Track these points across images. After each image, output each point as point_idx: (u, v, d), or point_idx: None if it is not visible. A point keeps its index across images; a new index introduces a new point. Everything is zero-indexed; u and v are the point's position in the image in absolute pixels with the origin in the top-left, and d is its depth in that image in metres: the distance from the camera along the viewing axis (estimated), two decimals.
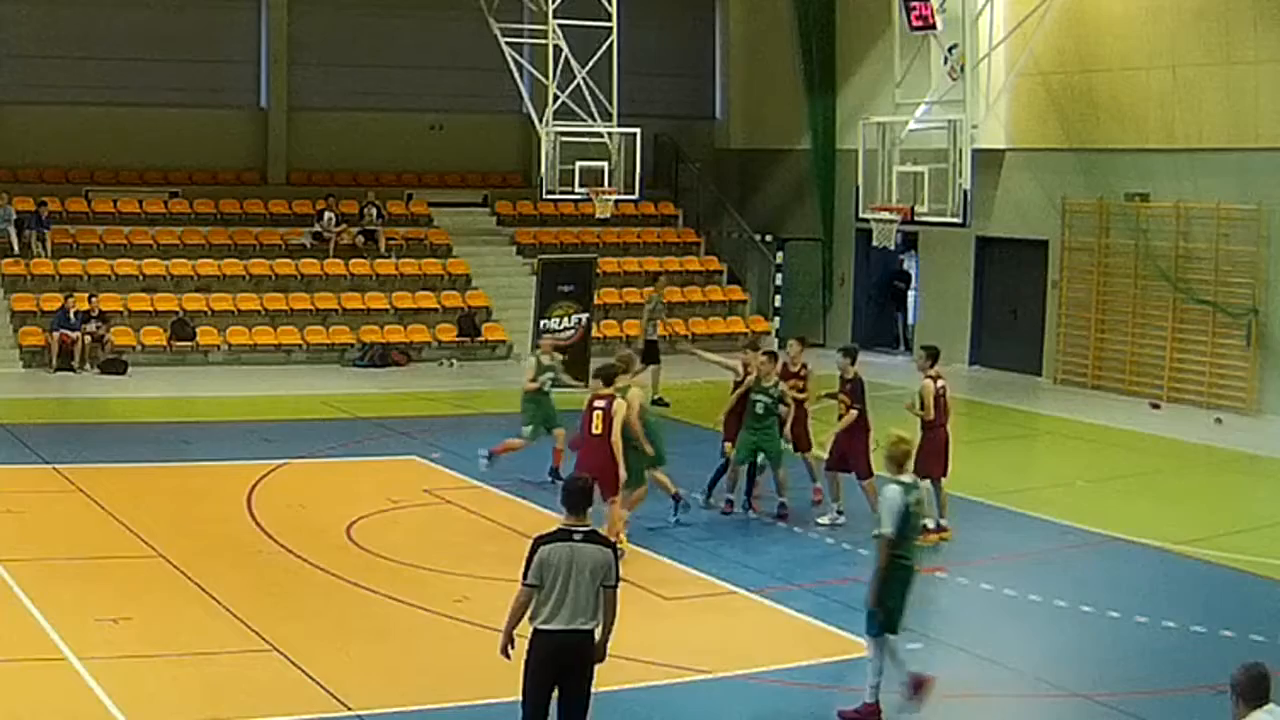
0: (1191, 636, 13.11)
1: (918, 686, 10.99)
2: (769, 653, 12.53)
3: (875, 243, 27.07)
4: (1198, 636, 13.09)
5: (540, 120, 28.40)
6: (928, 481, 14.69)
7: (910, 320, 32.59)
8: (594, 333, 27.12)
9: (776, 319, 32.74)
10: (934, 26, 25.64)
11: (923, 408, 16.03)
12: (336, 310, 29.66)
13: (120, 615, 12.60)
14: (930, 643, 12.85)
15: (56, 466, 18.56)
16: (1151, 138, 25.91)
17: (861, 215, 27.51)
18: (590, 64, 28.02)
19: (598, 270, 28.77)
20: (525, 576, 9.19)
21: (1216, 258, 25.11)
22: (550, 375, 18.39)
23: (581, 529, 9.27)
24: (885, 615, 10.98)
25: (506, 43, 28.81)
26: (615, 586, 9.26)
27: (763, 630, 13.20)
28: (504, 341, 29.92)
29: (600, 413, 14.90)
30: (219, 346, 28.16)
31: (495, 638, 12.43)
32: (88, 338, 26.84)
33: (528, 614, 9.22)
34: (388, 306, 30.07)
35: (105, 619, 12.49)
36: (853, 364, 16.80)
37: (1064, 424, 23.08)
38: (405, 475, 18.77)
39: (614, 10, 27.92)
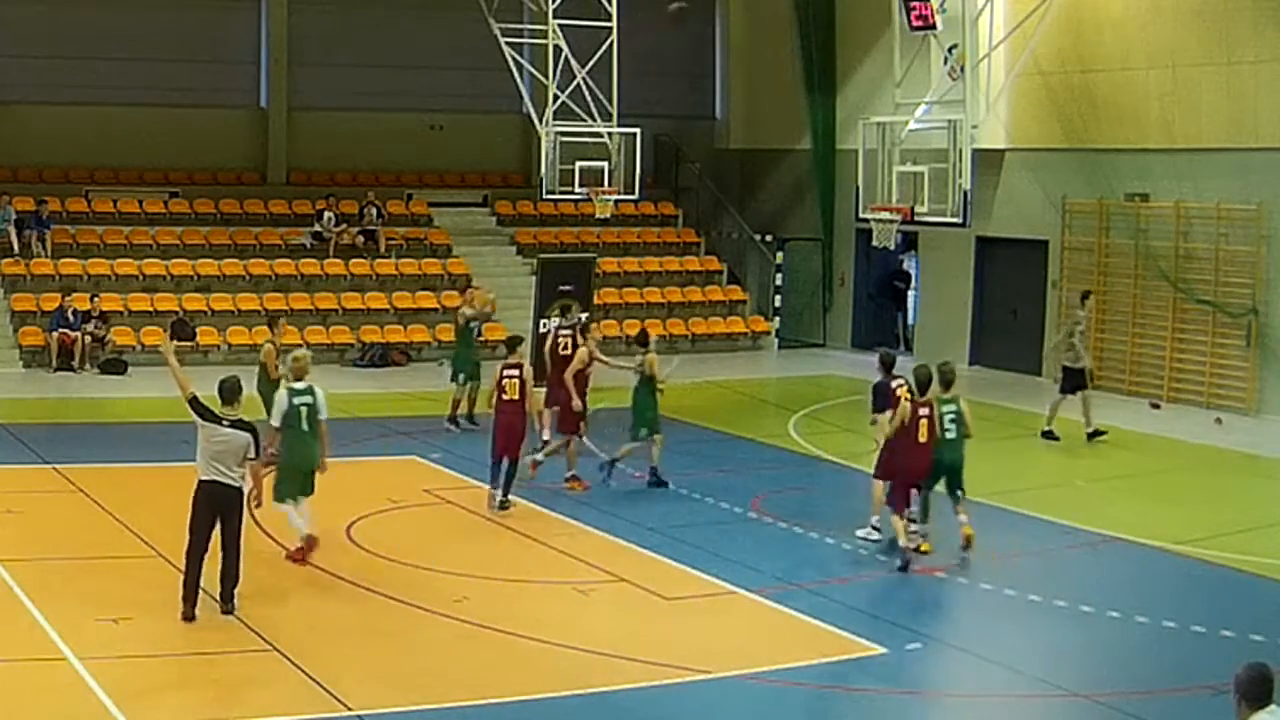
0: (1191, 636, 13.10)
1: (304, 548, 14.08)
2: (769, 653, 12.50)
3: (875, 243, 27.04)
4: (1198, 636, 13.08)
5: (540, 120, 28.39)
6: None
7: (910, 320, 32.59)
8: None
9: (776, 319, 32.76)
10: (934, 26, 25.63)
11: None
12: (336, 310, 29.65)
13: (120, 615, 12.58)
14: (930, 643, 12.88)
15: (56, 466, 18.55)
16: (1151, 138, 25.90)
17: (861, 215, 27.48)
18: (590, 64, 28.01)
19: (597, 270, 28.73)
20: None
21: (1216, 258, 25.11)
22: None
23: (230, 419, 12.63)
24: (278, 483, 14.12)
25: (506, 43, 28.79)
26: (256, 459, 12.71)
27: (763, 630, 13.18)
28: (504, 341, 29.79)
29: (925, 420, 15.12)
30: (219, 346, 28.14)
31: (495, 637, 12.58)
32: (88, 338, 26.83)
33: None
34: (388, 306, 30.07)
35: (105, 619, 12.48)
36: None
37: (1064, 424, 23.02)
38: (405, 475, 18.76)
39: (614, 10, 27.92)
